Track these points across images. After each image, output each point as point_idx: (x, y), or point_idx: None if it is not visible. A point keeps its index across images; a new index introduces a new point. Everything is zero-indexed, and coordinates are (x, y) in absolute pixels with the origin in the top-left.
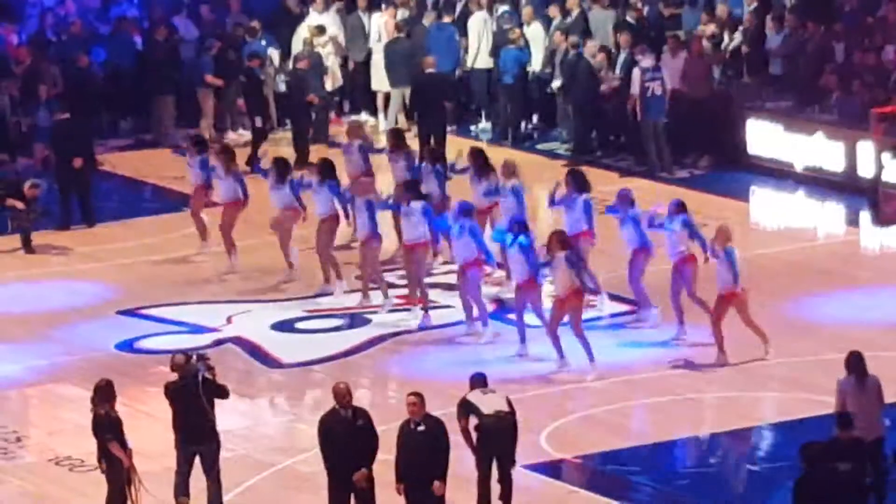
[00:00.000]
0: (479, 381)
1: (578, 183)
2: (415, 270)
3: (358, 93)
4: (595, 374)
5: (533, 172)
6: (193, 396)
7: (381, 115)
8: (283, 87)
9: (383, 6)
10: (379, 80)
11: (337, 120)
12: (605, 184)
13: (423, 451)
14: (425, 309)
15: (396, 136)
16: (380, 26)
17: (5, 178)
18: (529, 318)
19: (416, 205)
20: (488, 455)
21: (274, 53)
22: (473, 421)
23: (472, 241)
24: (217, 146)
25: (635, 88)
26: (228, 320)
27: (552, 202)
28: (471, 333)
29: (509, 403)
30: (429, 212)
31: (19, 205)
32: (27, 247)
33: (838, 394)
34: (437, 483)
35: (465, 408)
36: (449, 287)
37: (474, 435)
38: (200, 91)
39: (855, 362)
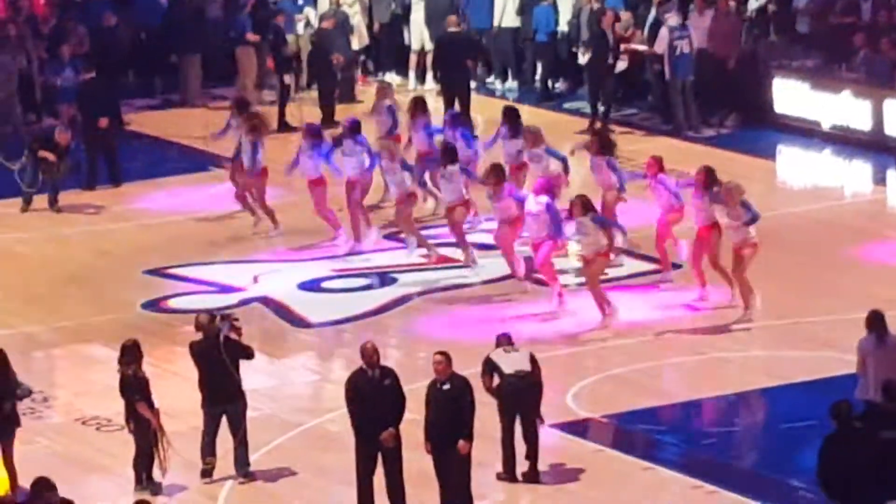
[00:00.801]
0: (504, 339)
1: (603, 145)
2: (458, 230)
3: (384, 53)
4: (608, 329)
5: (560, 132)
6: (216, 356)
7: (411, 74)
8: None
9: None
10: (415, 38)
11: (363, 79)
12: (630, 143)
13: (449, 410)
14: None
15: (416, 104)
16: None
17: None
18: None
19: (453, 167)
20: (510, 413)
21: (310, 13)
22: (497, 380)
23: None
24: (246, 124)
25: (662, 47)
26: (255, 279)
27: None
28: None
29: (533, 361)
30: (468, 172)
31: (51, 157)
32: (53, 205)
33: (859, 352)
34: (461, 442)
35: (489, 366)
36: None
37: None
38: (239, 49)
39: (876, 321)
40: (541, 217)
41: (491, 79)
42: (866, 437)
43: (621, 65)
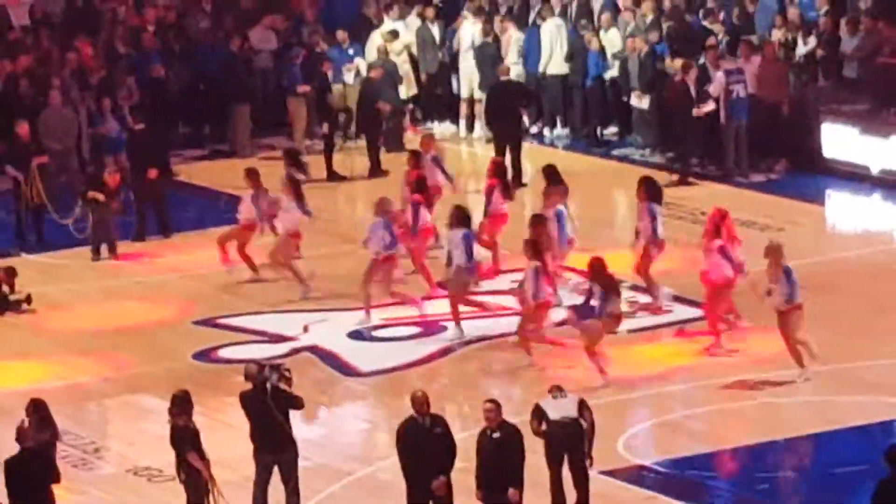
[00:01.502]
0: (555, 388)
1: (650, 192)
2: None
3: (430, 102)
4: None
5: (610, 179)
6: (264, 406)
7: (461, 123)
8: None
9: (464, 13)
10: (464, 86)
11: (412, 128)
12: (679, 189)
13: (499, 458)
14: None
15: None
16: (473, 33)
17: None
18: None
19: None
20: (556, 460)
21: (361, 63)
22: (544, 426)
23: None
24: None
25: (717, 90)
26: (305, 329)
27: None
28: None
29: (582, 406)
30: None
31: (100, 196)
32: (96, 253)
33: None
34: (511, 490)
35: (536, 412)
36: None
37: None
38: (291, 99)
39: None
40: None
41: (536, 128)
42: None
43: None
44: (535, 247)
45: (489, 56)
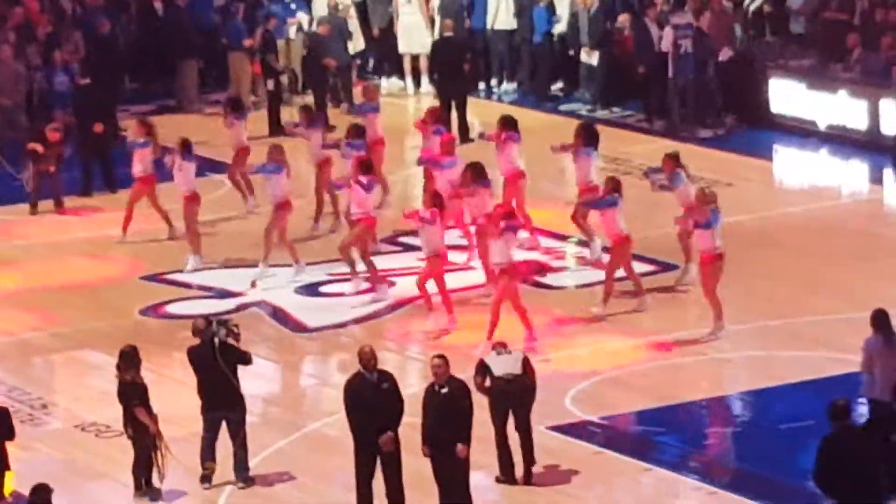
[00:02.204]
0: (498, 344)
1: (588, 137)
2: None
3: (382, 57)
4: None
5: (557, 135)
6: (213, 361)
7: (408, 79)
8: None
9: None
10: (406, 43)
11: (359, 83)
12: (626, 143)
13: (447, 413)
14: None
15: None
16: None
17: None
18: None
19: None
20: (500, 416)
21: (303, 17)
22: (489, 382)
23: None
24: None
25: (667, 45)
26: (253, 284)
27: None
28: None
29: (526, 363)
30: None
31: (39, 148)
32: (34, 207)
33: (865, 353)
34: (460, 445)
35: (480, 368)
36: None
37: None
38: (232, 55)
39: (881, 320)
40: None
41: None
42: (869, 436)
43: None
44: (436, 196)
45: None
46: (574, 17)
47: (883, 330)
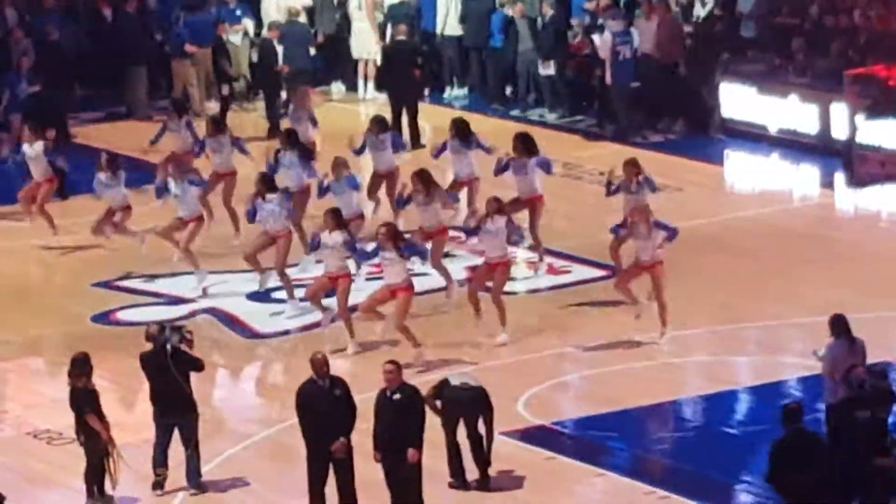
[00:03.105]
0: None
1: (528, 147)
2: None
3: (329, 63)
4: (505, 338)
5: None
6: (165, 367)
7: (361, 83)
8: (255, 57)
9: None
10: (359, 48)
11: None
12: (579, 149)
13: (398, 420)
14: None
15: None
16: None
17: None
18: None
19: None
20: (451, 423)
21: (249, 24)
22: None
23: None
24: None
25: (605, 52)
26: (204, 291)
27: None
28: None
29: (482, 389)
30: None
31: None
32: None
33: (830, 357)
34: (410, 451)
35: (439, 385)
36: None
37: (438, 403)
38: (175, 61)
39: (842, 324)
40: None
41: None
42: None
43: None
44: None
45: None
46: (511, 23)
47: (845, 333)
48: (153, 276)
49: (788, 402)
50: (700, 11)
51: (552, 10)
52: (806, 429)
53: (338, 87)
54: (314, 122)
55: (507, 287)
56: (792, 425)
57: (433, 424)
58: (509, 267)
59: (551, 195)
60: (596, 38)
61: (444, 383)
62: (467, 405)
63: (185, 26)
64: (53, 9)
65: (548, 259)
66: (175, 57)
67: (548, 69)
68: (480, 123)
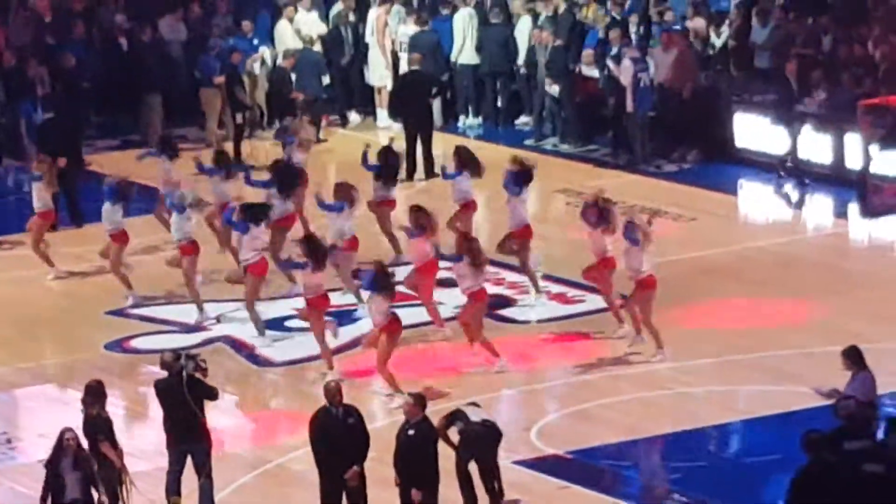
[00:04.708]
0: (472, 402)
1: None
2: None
3: (344, 92)
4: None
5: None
6: (180, 395)
7: (379, 112)
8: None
9: (375, 2)
10: (377, 76)
11: (327, 119)
12: (592, 178)
13: (409, 456)
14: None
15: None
16: (372, 21)
17: None
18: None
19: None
20: (465, 457)
21: (266, 53)
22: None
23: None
24: None
25: (627, 79)
26: (218, 319)
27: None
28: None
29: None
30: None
31: None
32: None
33: (862, 392)
34: (414, 491)
35: (454, 416)
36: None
37: (456, 438)
38: (204, 91)
39: (860, 356)
40: None
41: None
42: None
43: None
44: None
45: (425, 45)
46: (532, 51)
47: (861, 364)
48: (166, 303)
49: (809, 431)
50: (716, 41)
51: (560, 39)
52: (828, 458)
53: (353, 116)
54: (302, 147)
55: (522, 316)
56: (814, 454)
57: (447, 452)
58: (478, 297)
59: (564, 225)
60: (611, 64)
61: (457, 414)
62: (485, 441)
63: (218, 56)
64: (69, 37)
65: (562, 288)
66: (204, 86)
67: (552, 89)
68: (493, 153)
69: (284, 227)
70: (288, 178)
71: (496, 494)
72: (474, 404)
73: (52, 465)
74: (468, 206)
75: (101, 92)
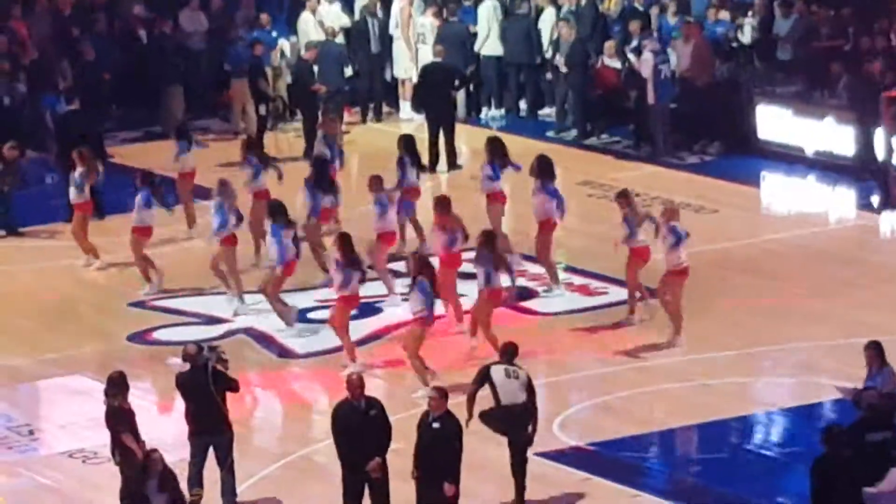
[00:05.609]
0: (509, 353)
1: (542, 170)
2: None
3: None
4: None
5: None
6: (203, 387)
7: (402, 103)
8: (290, 79)
9: None
10: (398, 67)
11: (347, 110)
12: (614, 170)
13: (435, 449)
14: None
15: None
16: (396, 13)
17: None
18: None
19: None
20: (495, 430)
21: (286, 45)
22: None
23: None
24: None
25: (647, 71)
26: (236, 312)
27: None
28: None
29: (529, 386)
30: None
31: None
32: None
33: (890, 384)
34: (446, 485)
35: (484, 379)
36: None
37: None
38: (236, 82)
39: (882, 351)
40: None
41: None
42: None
43: None
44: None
45: (453, 36)
46: (556, 43)
47: (881, 359)
48: (190, 295)
49: (832, 426)
50: (741, 35)
51: (581, 31)
52: (845, 453)
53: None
54: (332, 148)
55: (545, 308)
56: (832, 448)
57: (470, 445)
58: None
59: (586, 217)
60: (632, 57)
61: (492, 385)
62: (514, 426)
63: (244, 47)
64: (90, 30)
65: (585, 280)
66: (235, 76)
67: (562, 66)
68: (515, 144)
69: (321, 223)
70: (324, 173)
71: (520, 487)
72: (514, 348)
73: (138, 486)
74: (496, 197)
75: (121, 84)
